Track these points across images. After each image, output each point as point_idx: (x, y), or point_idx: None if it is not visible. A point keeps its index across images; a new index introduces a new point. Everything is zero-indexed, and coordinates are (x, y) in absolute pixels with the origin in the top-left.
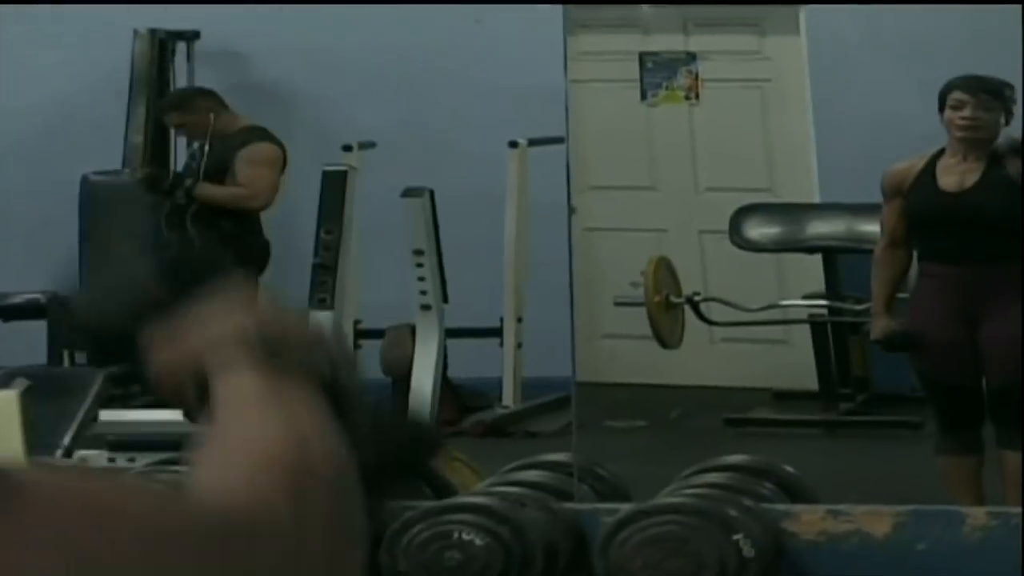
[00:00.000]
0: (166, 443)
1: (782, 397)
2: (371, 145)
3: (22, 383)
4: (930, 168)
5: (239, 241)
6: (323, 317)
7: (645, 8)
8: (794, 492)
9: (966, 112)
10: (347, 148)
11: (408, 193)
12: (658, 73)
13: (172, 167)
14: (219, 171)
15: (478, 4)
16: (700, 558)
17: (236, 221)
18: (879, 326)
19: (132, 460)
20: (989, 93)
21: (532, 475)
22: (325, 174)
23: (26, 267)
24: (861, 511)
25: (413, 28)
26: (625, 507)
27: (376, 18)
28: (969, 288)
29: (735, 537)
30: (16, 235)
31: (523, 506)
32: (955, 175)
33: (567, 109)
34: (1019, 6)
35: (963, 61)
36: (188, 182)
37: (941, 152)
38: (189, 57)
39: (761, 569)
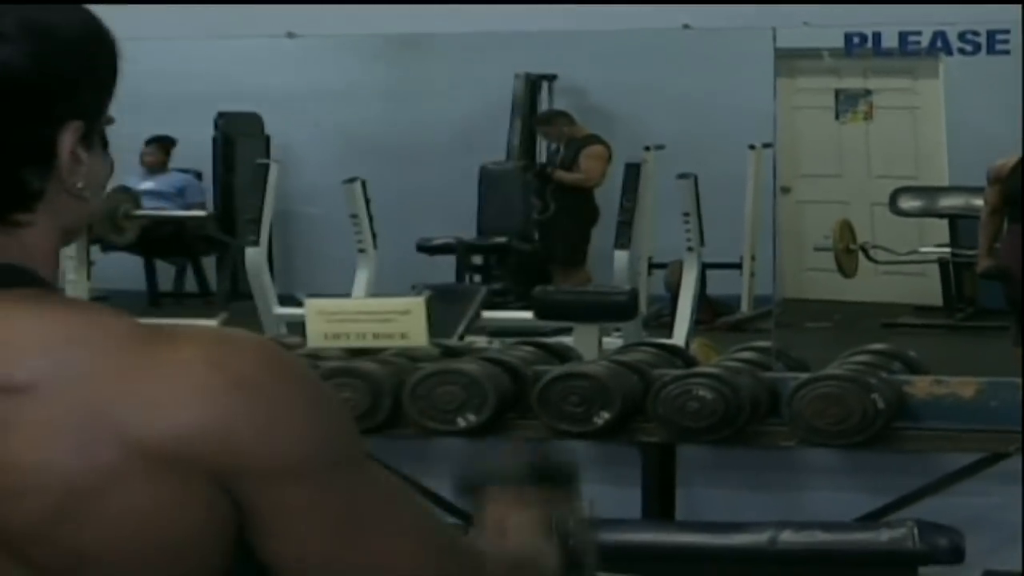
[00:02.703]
0: (522, 331)
1: (920, 309)
2: (661, 147)
3: (428, 292)
4: (1020, 163)
5: (580, 207)
6: (622, 254)
7: (831, 61)
8: (914, 367)
9: None
10: (647, 148)
11: (680, 176)
12: (846, 103)
13: (537, 159)
14: (568, 162)
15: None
16: (849, 408)
17: (578, 195)
18: (982, 265)
19: (502, 343)
20: None
21: (747, 355)
22: (627, 165)
23: (445, 221)
24: (955, 380)
25: (694, 72)
26: (803, 375)
27: (670, 65)
28: None
29: (872, 395)
30: (439, 202)
31: (739, 374)
32: None
33: (775, 125)
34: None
35: None
36: (549, 169)
37: None
38: (550, 91)
39: (888, 417)
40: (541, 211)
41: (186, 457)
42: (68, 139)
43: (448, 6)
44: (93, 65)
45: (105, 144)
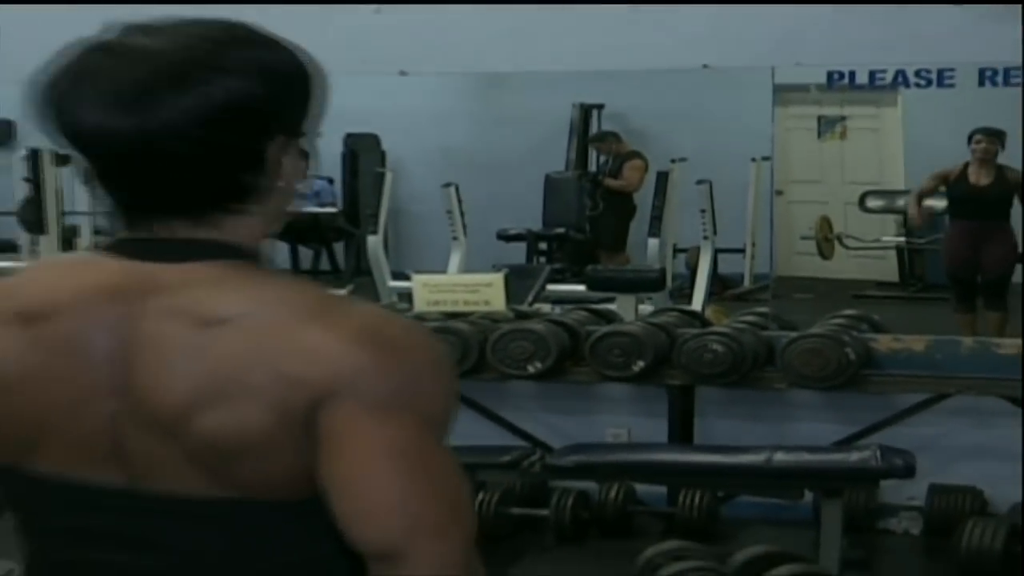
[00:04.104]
0: (577, 300)
1: (881, 284)
2: (684, 159)
3: (505, 270)
4: (964, 172)
5: (622, 206)
6: (653, 241)
7: (815, 93)
8: (877, 328)
9: (982, 146)
10: (673, 160)
11: (699, 182)
12: (826, 125)
13: (589, 169)
14: (615, 172)
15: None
16: (828, 359)
17: (621, 196)
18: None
19: (561, 309)
20: (994, 135)
21: (750, 318)
22: (658, 173)
23: (518, 217)
24: (909, 338)
25: (710, 102)
26: (792, 334)
27: (692, 96)
28: (975, 232)
29: (846, 349)
30: (514, 201)
31: (743, 332)
32: (976, 176)
33: (772, 143)
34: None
35: (976, 121)
36: (599, 177)
37: (967, 164)
38: (599, 117)
39: (858, 365)
40: (592, 209)
41: (315, 391)
42: (275, 149)
43: (521, 50)
44: (298, 95)
45: (302, 153)
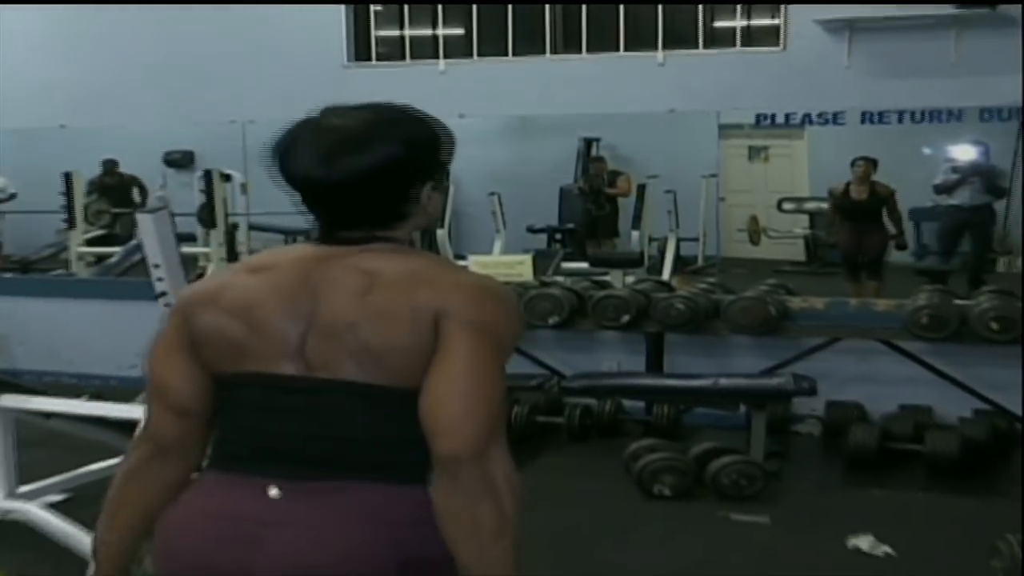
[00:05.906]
0: (582, 274)
1: (794, 263)
2: (656, 176)
3: (532, 253)
4: (847, 188)
5: (614, 209)
6: (635, 233)
7: (748, 130)
8: (791, 293)
9: (860, 168)
10: (648, 177)
11: (666, 191)
12: (755, 153)
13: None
14: (611, 184)
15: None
16: (756, 313)
17: (614, 202)
18: (833, 239)
19: (571, 280)
20: (868, 161)
21: (703, 286)
22: (638, 186)
23: (542, 216)
24: (813, 299)
25: (675, 135)
26: (732, 296)
27: (663, 131)
28: (857, 230)
29: (769, 307)
30: (539, 205)
31: (698, 295)
32: (856, 192)
33: (719, 163)
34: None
35: (858, 150)
36: (603, 187)
37: (849, 182)
38: (597, 146)
39: (778, 319)
40: (599, 210)
41: (438, 315)
42: (422, 190)
43: (543, 99)
44: (435, 154)
45: (439, 188)
